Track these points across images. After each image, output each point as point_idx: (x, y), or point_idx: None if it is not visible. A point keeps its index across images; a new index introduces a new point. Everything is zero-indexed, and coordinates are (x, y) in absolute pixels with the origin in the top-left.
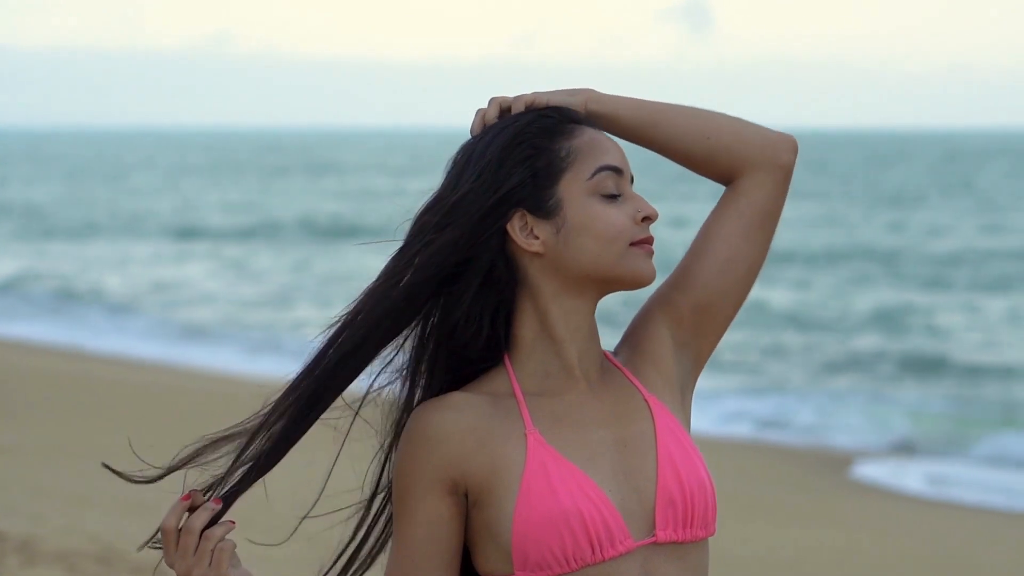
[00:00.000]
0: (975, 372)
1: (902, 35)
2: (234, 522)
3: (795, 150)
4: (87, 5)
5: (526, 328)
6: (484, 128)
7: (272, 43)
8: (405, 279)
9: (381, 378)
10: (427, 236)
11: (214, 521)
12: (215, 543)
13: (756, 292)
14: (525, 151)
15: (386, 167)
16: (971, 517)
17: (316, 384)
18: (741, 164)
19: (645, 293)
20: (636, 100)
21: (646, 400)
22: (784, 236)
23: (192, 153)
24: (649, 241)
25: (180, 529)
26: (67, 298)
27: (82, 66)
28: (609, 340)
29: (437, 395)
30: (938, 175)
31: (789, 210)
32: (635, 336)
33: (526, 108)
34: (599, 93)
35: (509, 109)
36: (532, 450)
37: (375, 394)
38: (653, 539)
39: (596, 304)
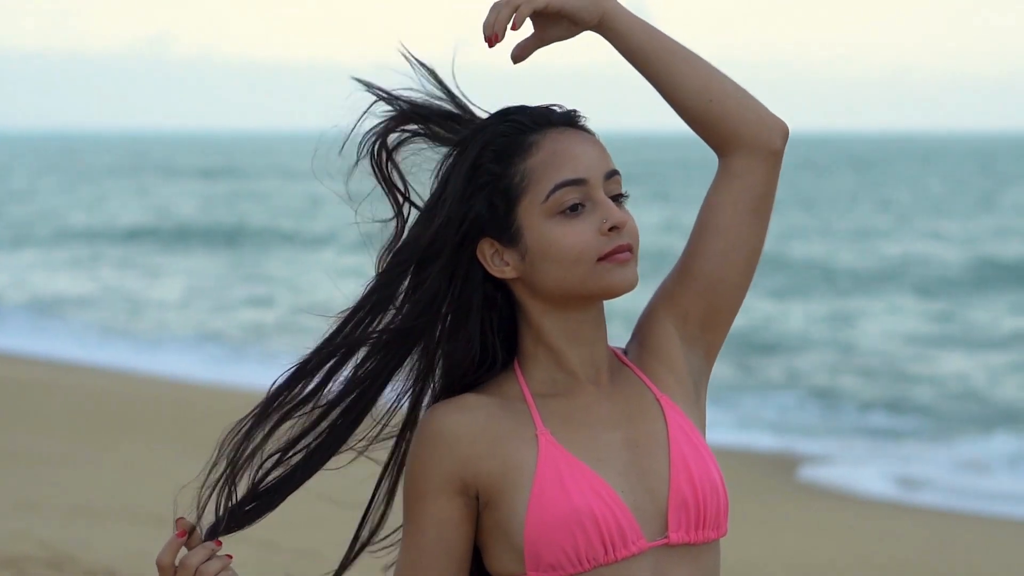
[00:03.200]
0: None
1: (840, 38)
2: (231, 556)
3: (786, 136)
4: (19, 6)
5: (526, 340)
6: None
7: (212, 46)
8: (395, 325)
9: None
10: (411, 279)
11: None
12: None
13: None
14: (482, 179)
15: (327, 171)
16: (924, 519)
17: (326, 436)
18: (734, 140)
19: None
20: (652, 29)
21: (658, 400)
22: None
23: (126, 156)
24: (621, 250)
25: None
26: None
27: (15, 68)
28: (620, 337)
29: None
30: (864, 180)
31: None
32: (643, 334)
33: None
34: (619, 9)
35: (518, 5)
36: (544, 450)
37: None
38: (665, 540)
39: (592, 310)
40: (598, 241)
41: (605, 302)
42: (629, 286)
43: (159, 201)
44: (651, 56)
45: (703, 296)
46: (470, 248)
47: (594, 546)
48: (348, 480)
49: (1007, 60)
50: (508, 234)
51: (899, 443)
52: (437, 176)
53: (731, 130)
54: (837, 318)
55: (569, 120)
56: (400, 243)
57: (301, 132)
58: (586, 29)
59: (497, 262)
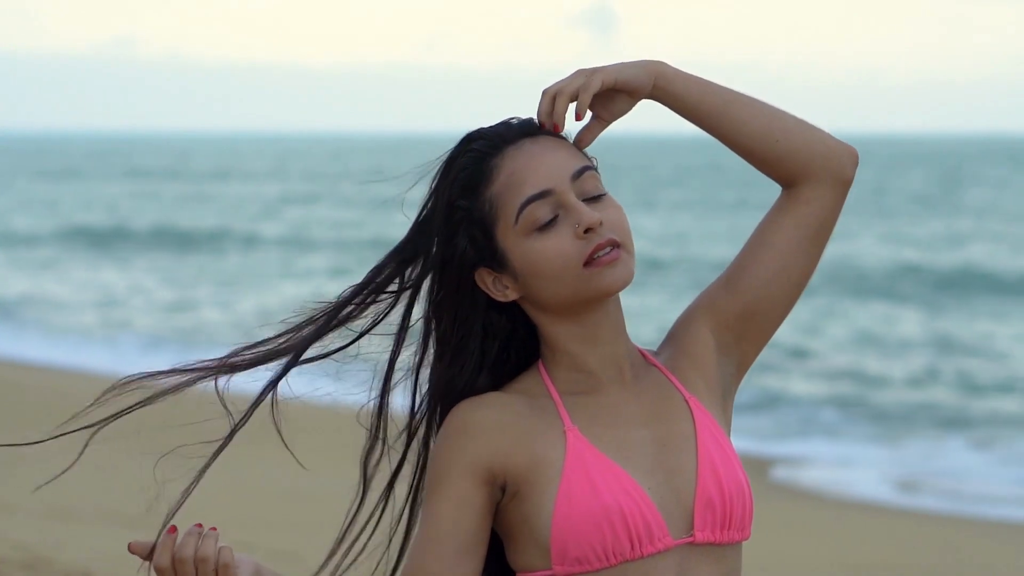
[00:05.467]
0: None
1: (804, 41)
2: (215, 528)
3: (857, 163)
4: None
5: (545, 347)
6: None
7: (177, 48)
8: (431, 382)
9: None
10: (427, 326)
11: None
12: (213, 563)
13: (656, 297)
14: (457, 216)
15: (288, 172)
16: (901, 519)
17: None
18: (804, 173)
19: (691, 292)
20: (706, 83)
21: (686, 401)
22: (648, 247)
23: (91, 157)
24: (602, 248)
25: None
26: None
27: None
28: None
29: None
30: None
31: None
32: (678, 336)
33: (601, 86)
34: (669, 71)
35: (576, 94)
36: (571, 446)
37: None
38: (691, 539)
39: (604, 309)
40: (577, 247)
41: (624, 305)
42: (623, 283)
43: (127, 202)
44: (711, 111)
45: (746, 310)
46: (469, 282)
47: (621, 542)
48: (323, 480)
49: (976, 64)
50: (496, 261)
51: (876, 444)
52: (424, 206)
53: (801, 165)
54: (795, 320)
55: (526, 131)
56: (389, 252)
57: (267, 134)
58: (643, 97)
59: (498, 287)
